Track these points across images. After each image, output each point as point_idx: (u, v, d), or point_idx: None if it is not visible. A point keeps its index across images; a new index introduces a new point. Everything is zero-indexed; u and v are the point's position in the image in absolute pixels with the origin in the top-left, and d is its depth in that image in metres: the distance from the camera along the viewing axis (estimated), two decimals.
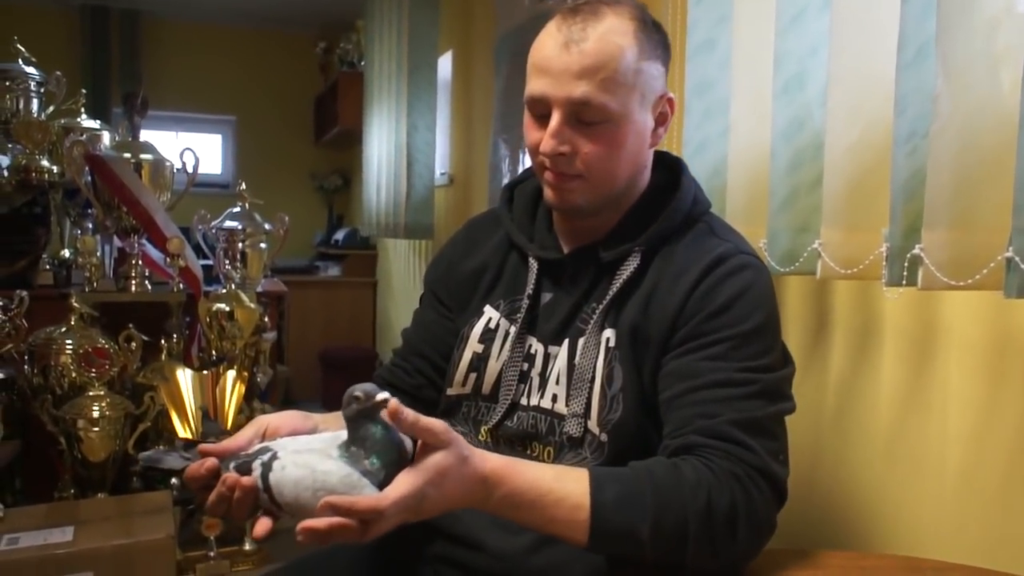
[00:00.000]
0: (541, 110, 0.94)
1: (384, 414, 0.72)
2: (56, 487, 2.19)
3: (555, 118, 0.92)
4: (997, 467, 1.02)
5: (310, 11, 5.38)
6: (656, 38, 0.96)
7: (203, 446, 0.81)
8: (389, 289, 4.74)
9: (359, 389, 0.73)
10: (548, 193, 0.99)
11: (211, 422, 2.32)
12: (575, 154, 0.93)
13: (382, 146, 3.78)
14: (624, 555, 0.82)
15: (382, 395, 0.72)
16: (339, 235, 5.25)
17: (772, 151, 1.16)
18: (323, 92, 5.59)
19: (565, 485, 0.81)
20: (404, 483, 0.72)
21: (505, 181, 2.76)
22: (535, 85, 0.94)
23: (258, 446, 0.80)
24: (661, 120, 0.99)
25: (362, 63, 4.57)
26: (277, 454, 0.76)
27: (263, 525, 0.75)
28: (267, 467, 0.75)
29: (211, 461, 0.80)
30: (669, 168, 1.05)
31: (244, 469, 0.77)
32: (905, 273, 0.93)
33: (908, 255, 0.92)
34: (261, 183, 5.63)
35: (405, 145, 3.27)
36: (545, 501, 0.80)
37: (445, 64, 3.49)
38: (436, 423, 0.74)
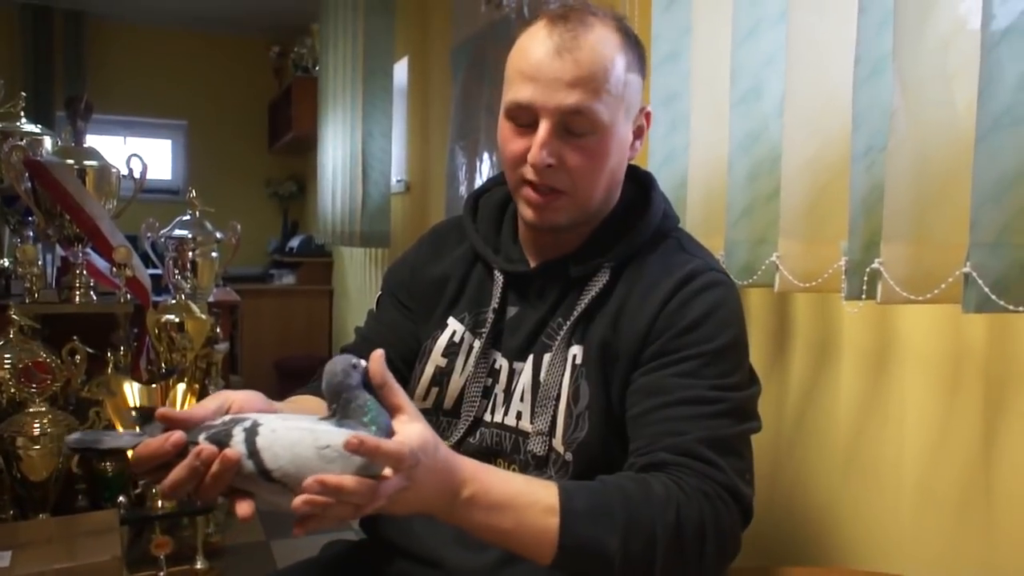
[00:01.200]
0: (526, 119, 0.91)
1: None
2: None
3: (543, 127, 0.89)
4: (953, 480, 1.03)
5: (264, 15, 5.30)
6: (638, 50, 0.95)
7: (162, 411, 0.70)
8: (346, 297, 4.67)
9: (338, 363, 0.70)
10: (527, 212, 0.95)
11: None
12: (562, 167, 0.91)
13: (337, 153, 3.73)
14: (589, 573, 0.80)
15: (362, 362, 0.70)
16: (294, 242, 5.17)
17: (729, 162, 1.16)
18: (277, 97, 5.50)
19: (536, 490, 0.79)
20: (415, 431, 0.69)
21: (462, 189, 2.73)
22: (522, 92, 0.90)
23: (227, 418, 0.72)
24: (638, 133, 0.98)
25: (316, 68, 4.51)
26: (258, 420, 0.69)
27: (247, 504, 0.68)
28: (252, 432, 0.68)
29: (178, 435, 0.69)
30: (639, 182, 1.04)
31: (220, 439, 0.68)
32: (864, 287, 0.93)
33: (867, 269, 0.92)
34: (213, 189, 5.51)
35: (360, 152, 3.23)
36: (516, 503, 0.77)
37: (401, 70, 3.46)
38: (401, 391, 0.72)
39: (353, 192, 3.36)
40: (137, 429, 0.72)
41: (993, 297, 0.77)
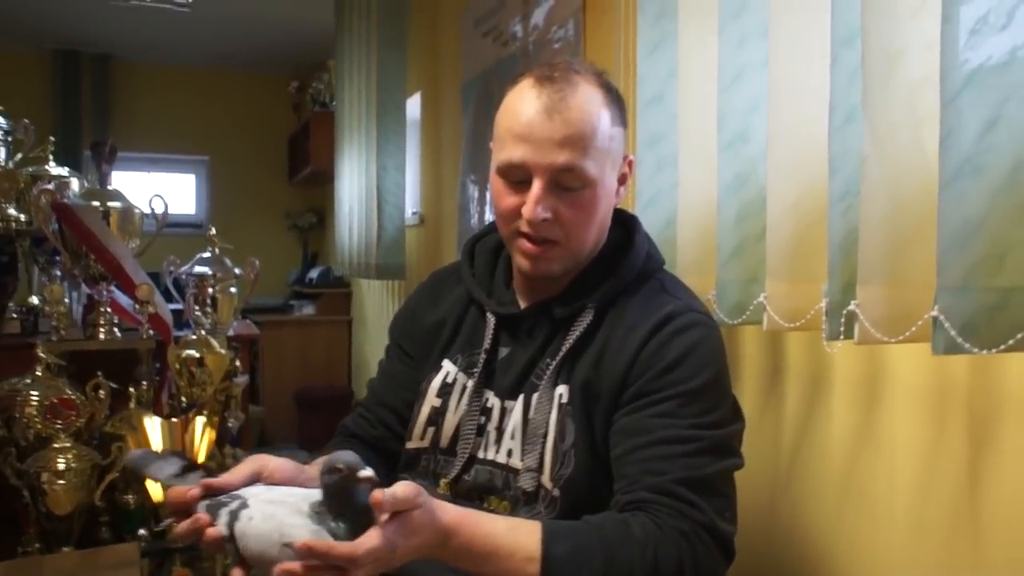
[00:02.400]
0: (519, 176, 0.96)
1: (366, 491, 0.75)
2: (20, 542, 2.16)
3: (537, 185, 0.94)
4: (942, 511, 1.04)
5: (282, 51, 5.43)
6: (619, 103, 1.00)
7: (207, 481, 0.83)
8: (364, 327, 4.73)
9: (342, 461, 0.76)
10: (522, 262, 1.00)
11: None
12: (556, 220, 0.96)
13: (353, 187, 3.80)
14: None
15: (364, 472, 0.75)
16: (313, 273, 5.25)
17: (719, 204, 1.20)
18: (296, 131, 5.62)
19: (518, 538, 0.83)
20: (375, 535, 0.74)
21: (473, 221, 2.79)
22: (515, 152, 0.95)
23: (234, 492, 0.82)
24: (622, 180, 1.03)
25: (333, 103, 4.61)
26: (247, 503, 0.79)
27: (237, 574, 0.78)
28: (234, 516, 0.78)
29: (195, 492, 0.82)
30: (623, 225, 1.08)
31: (213, 512, 0.79)
32: (843, 328, 0.96)
33: (844, 311, 0.95)
34: (235, 222, 5.66)
35: (375, 186, 3.30)
36: (499, 553, 0.82)
37: (414, 105, 3.53)
38: (409, 493, 0.77)
39: (368, 225, 3.42)
40: (178, 466, 0.85)
41: (959, 340, 0.79)
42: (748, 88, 1.17)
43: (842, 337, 0.97)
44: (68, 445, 2.09)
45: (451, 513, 0.82)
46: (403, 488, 0.77)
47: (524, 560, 0.82)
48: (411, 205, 3.57)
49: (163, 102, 5.68)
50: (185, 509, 0.81)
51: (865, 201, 0.92)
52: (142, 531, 2.16)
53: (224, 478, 0.84)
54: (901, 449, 1.11)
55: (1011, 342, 0.77)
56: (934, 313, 0.82)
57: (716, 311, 1.20)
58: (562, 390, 0.98)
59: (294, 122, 5.78)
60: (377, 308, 4.34)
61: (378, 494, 0.75)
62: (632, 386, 0.95)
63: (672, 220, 1.34)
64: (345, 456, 0.76)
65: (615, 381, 0.96)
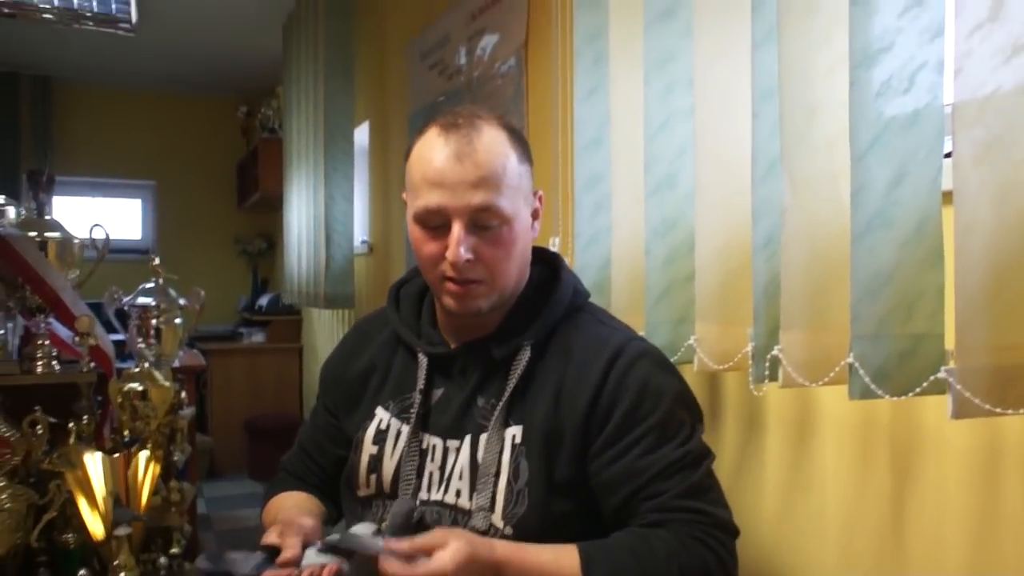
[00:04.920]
0: (437, 221, 0.99)
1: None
2: None
3: (456, 227, 0.97)
4: (870, 541, 1.08)
5: (230, 76, 5.38)
6: (523, 143, 1.04)
7: (284, 558, 0.90)
8: (314, 355, 4.68)
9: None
10: (450, 302, 1.03)
11: (122, 509, 2.25)
12: (478, 260, 0.98)
13: (301, 215, 3.78)
14: None
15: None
16: (263, 300, 5.18)
17: (647, 247, 1.23)
18: (244, 157, 5.56)
19: (561, 562, 0.92)
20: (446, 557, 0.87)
21: None
22: (431, 198, 0.98)
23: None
24: (535, 215, 1.07)
25: (282, 129, 4.58)
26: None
27: None
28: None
29: (292, 552, 0.91)
30: (547, 263, 1.11)
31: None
32: (767, 371, 1.00)
33: (769, 355, 0.98)
34: (183, 247, 5.57)
35: (323, 216, 3.29)
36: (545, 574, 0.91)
37: (363, 134, 3.54)
38: (433, 540, 0.89)
39: (317, 255, 3.41)
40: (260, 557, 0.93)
41: (873, 387, 0.83)
42: (675, 135, 1.21)
43: (767, 380, 1.00)
44: (2, 484, 2.03)
45: (501, 547, 0.92)
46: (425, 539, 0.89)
47: None
48: (360, 234, 3.56)
49: (107, 125, 5.57)
50: None
51: (785, 249, 0.95)
52: (82, 572, 2.10)
53: (290, 551, 0.91)
54: (831, 484, 1.14)
55: (918, 389, 0.81)
56: (850, 360, 0.85)
57: None
58: (515, 431, 1.01)
59: (243, 147, 5.72)
60: (328, 336, 4.30)
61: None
62: (603, 431, 0.99)
63: (608, 261, 1.37)
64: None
65: (578, 422, 0.99)
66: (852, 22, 0.85)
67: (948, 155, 0.85)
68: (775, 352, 0.97)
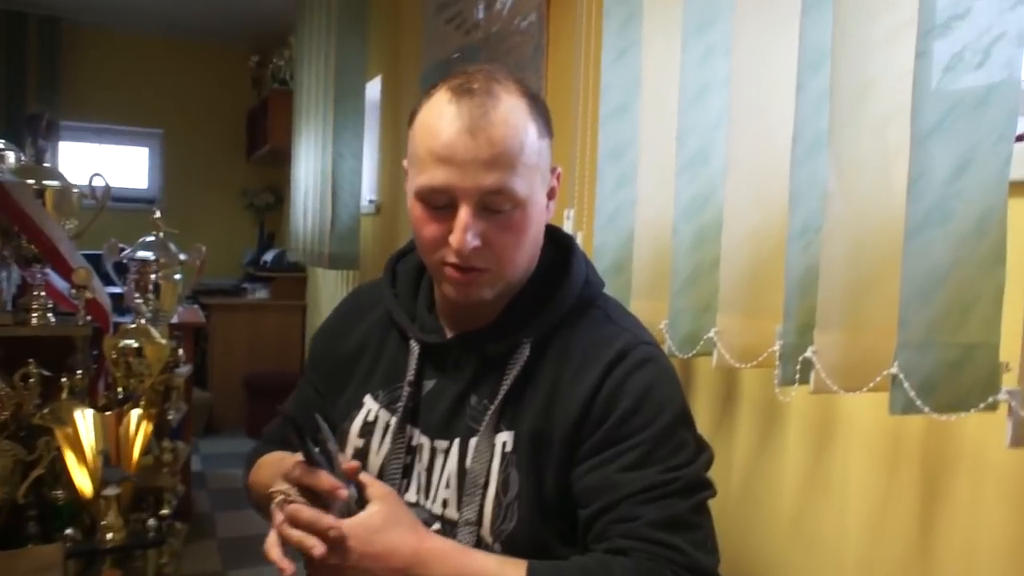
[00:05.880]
0: (441, 201, 0.86)
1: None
2: None
3: (464, 211, 0.85)
4: (894, 561, 1.01)
5: (243, 24, 5.24)
6: (545, 113, 0.92)
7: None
8: (318, 313, 4.62)
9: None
10: (450, 290, 0.92)
11: (112, 468, 2.20)
12: (486, 246, 0.87)
13: (309, 171, 3.69)
14: None
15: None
16: (268, 256, 5.11)
17: (675, 226, 1.14)
18: (255, 107, 5.44)
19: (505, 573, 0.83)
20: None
21: None
22: (436, 175, 0.85)
23: None
24: (551, 195, 0.95)
25: (293, 80, 4.46)
26: None
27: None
28: None
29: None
30: (558, 244, 1.00)
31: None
32: (798, 374, 0.91)
33: (800, 357, 0.89)
34: (189, 199, 5.49)
35: (331, 173, 3.19)
36: None
37: (374, 89, 3.42)
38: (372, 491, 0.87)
39: (323, 213, 3.32)
40: None
41: (918, 403, 0.74)
42: (711, 106, 1.11)
43: (797, 383, 0.91)
44: None
45: (434, 541, 0.86)
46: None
47: None
48: (368, 193, 3.47)
49: (116, 70, 5.44)
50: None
51: (827, 240, 0.86)
52: (69, 530, 2.06)
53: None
54: (853, 493, 1.07)
55: (973, 411, 0.73)
56: (893, 370, 0.76)
57: (667, 343, 1.14)
58: (505, 437, 0.91)
59: (253, 97, 5.59)
60: (332, 295, 4.24)
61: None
62: (592, 437, 0.88)
63: (630, 239, 1.27)
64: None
65: (569, 427, 0.89)
66: None
67: (1019, 138, 0.75)
68: (808, 354, 0.88)
